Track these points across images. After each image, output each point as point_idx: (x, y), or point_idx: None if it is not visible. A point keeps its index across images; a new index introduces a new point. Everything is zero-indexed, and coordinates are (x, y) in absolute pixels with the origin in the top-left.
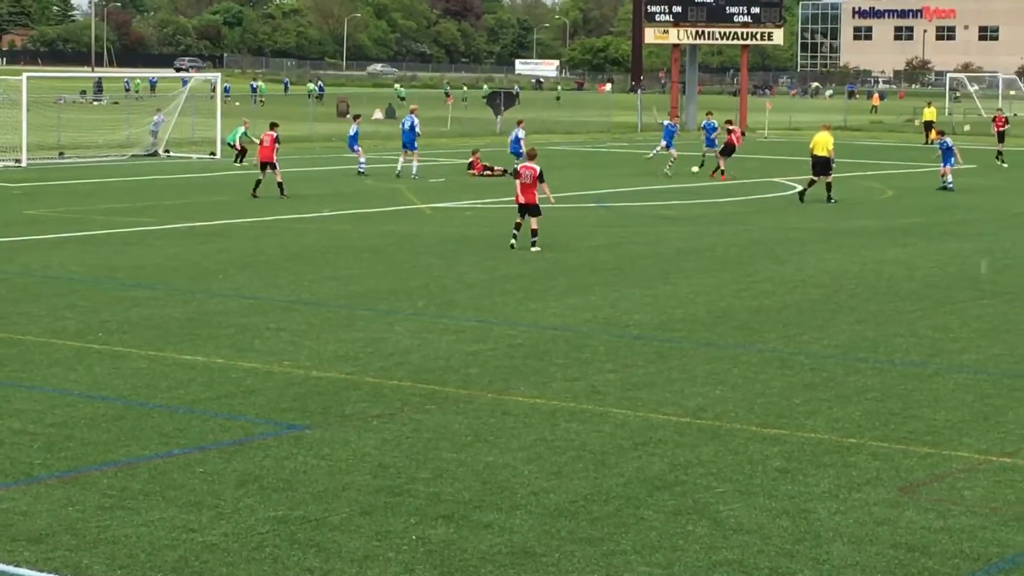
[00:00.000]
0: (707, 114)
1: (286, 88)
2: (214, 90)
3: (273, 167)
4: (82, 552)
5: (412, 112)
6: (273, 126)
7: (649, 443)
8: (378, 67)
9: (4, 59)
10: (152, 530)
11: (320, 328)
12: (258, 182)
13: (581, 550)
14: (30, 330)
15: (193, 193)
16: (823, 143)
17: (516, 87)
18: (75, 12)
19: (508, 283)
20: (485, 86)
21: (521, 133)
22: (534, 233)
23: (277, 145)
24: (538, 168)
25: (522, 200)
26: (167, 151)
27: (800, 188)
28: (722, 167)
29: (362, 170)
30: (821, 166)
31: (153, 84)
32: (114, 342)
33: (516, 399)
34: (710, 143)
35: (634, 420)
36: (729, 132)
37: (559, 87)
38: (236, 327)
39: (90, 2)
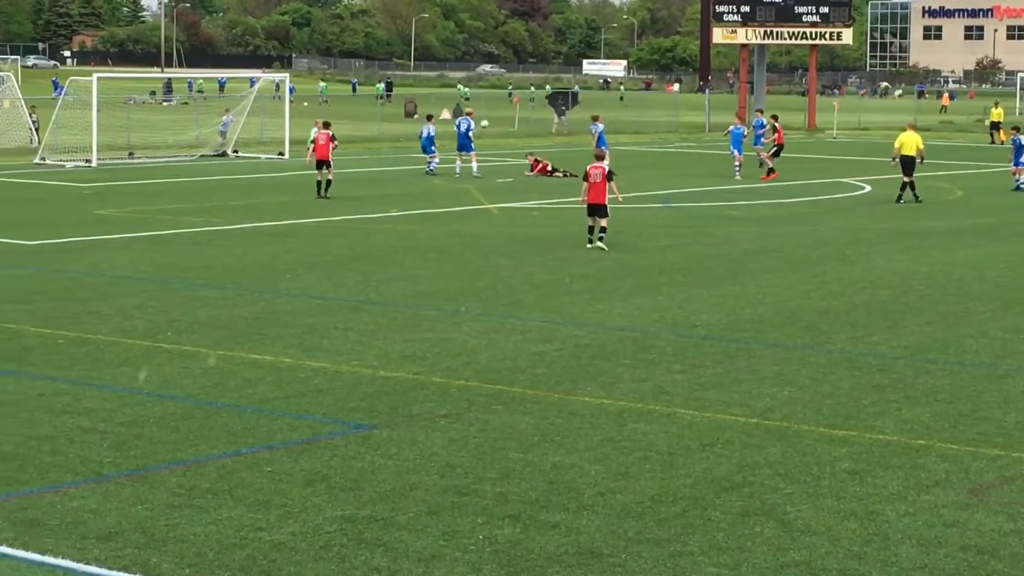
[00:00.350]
0: (757, 111)
1: (354, 89)
2: (278, 90)
3: (328, 166)
4: (151, 550)
5: (467, 115)
6: (326, 125)
7: (716, 444)
8: (487, 68)
9: (75, 60)
10: (220, 529)
11: (387, 328)
12: (319, 183)
13: (648, 551)
14: (100, 329)
15: (261, 193)
16: (911, 142)
17: (575, 87)
18: (145, 13)
19: (575, 283)
20: (548, 86)
21: (595, 129)
22: (602, 230)
23: (334, 144)
24: (607, 167)
25: (591, 201)
26: (235, 151)
27: (909, 194)
28: (770, 164)
29: (431, 170)
30: (909, 165)
31: (222, 84)
32: (183, 341)
33: (583, 399)
34: (758, 141)
35: (701, 421)
36: (775, 130)
37: (622, 87)
38: (304, 327)
39: (160, 3)
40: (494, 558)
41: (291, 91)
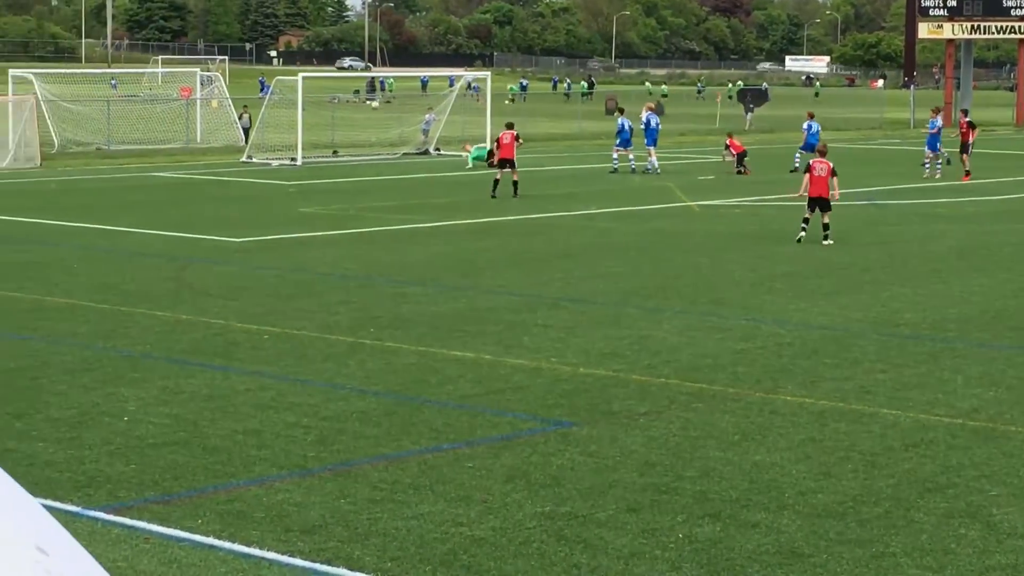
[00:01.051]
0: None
1: (554, 86)
2: (469, 88)
3: (512, 165)
4: (354, 544)
5: (650, 110)
6: (510, 125)
7: (920, 444)
8: (766, 65)
9: (281, 60)
10: (421, 523)
11: (587, 325)
12: (496, 181)
13: (849, 551)
14: (304, 325)
15: (462, 191)
16: None
17: (764, 84)
18: (349, 13)
19: (776, 281)
20: (740, 83)
21: (810, 125)
22: (826, 227)
23: (518, 143)
24: (831, 163)
25: (812, 194)
26: (438, 149)
27: None
28: (965, 166)
29: (633, 168)
30: None
31: (424, 83)
32: (385, 337)
33: (784, 398)
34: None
35: (905, 421)
36: (971, 127)
37: (817, 83)
38: (504, 324)
39: (364, 3)
40: (694, 556)
41: (475, 90)
